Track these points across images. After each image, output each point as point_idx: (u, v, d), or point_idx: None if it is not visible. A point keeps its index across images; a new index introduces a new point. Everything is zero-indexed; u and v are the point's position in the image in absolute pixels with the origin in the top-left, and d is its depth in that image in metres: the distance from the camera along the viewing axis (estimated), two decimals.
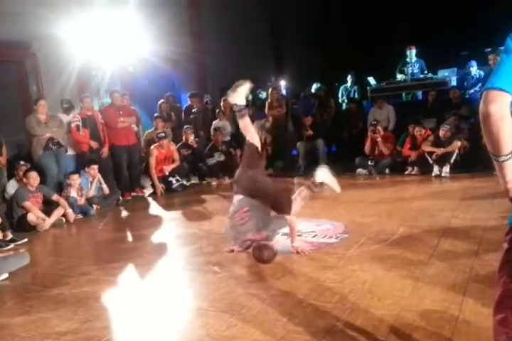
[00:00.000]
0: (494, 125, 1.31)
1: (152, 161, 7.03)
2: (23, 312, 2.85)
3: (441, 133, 6.65)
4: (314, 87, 9.93)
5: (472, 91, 8.33)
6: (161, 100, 8.54)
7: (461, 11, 10.92)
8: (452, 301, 2.46)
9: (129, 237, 4.84)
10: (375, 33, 12.01)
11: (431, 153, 6.65)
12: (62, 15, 6.96)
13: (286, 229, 3.62)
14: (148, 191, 7.31)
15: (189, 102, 8.78)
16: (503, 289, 1.42)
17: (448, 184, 6.18)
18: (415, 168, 6.91)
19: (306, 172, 7.66)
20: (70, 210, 5.57)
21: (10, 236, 4.76)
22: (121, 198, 6.68)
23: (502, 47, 1.42)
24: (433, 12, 11.41)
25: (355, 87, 9.93)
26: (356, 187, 6.46)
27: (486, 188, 5.19)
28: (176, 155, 7.32)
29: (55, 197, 5.57)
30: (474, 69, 8.46)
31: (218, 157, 7.81)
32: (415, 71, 9.01)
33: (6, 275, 3.59)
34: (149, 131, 7.89)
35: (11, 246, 4.59)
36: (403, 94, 9.42)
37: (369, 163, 7.28)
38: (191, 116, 8.45)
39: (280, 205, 3.45)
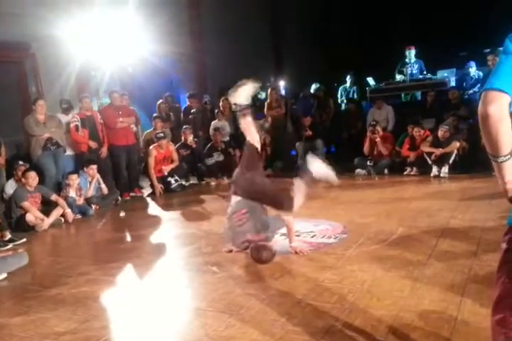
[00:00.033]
0: (493, 126, 1.31)
1: (151, 161, 7.03)
2: (21, 312, 2.85)
3: (440, 133, 6.65)
4: (313, 87, 9.94)
5: (471, 91, 8.33)
6: (160, 100, 8.54)
7: (460, 12, 10.94)
8: (451, 301, 2.46)
9: (128, 237, 4.84)
10: (374, 34, 12.02)
11: (430, 154, 6.66)
12: (62, 15, 6.96)
13: (284, 230, 3.62)
14: (147, 191, 7.32)
15: (188, 102, 8.79)
16: (502, 289, 1.43)
17: (447, 184, 6.18)
18: (414, 169, 6.91)
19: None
20: (68, 210, 5.57)
21: (8, 236, 4.76)
22: (120, 198, 6.68)
23: (501, 48, 1.42)
24: (432, 12, 11.42)
25: (355, 88, 9.93)
26: (355, 188, 6.47)
27: (484, 189, 5.20)
28: (175, 156, 7.32)
29: (53, 197, 5.57)
30: (473, 70, 8.47)
31: (217, 157, 7.81)
32: (414, 71, 9.02)
33: (4, 275, 3.59)
34: (148, 131, 7.89)
35: (10, 246, 4.59)
36: (402, 95, 9.42)
37: (368, 163, 7.28)
38: (190, 117, 8.45)
39: (281, 204, 3.45)
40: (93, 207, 6.08)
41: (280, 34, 13.40)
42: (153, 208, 6.34)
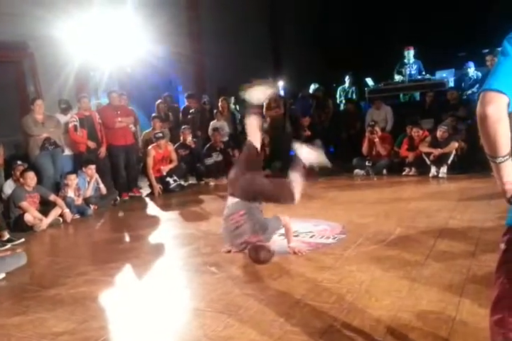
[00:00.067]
0: (491, 127, 1.31)
1: (150, 161, 7.03)
2: (19, 313, 2.85)
3: (438, 134, 6.66)
4: (312, 87, 9.95)
5: (469, 92, 8.34)
6: (159, 100, 8.54)
7: (459, 12, 10.96)
8: (449, 302, 2.46)
9: (127, 237, 4.84)
10: (373, 34, 12.04)
11: (428, 154, 6.66)
12: (60, 15, 6.96)
13: (282, 230, 3.62)
14: (145, 191, 7.31)
15: (187, 103, 8.79)
16: (500, 290, 1.43)
17: (445, 185, 6.19)
18: (413, 169, 6.91)
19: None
20: (67, 210, 5.56)
21: (7, 236, 4.75)
22: (118, 198, 6.68)
23: (499, 49, 1.42)
24: (431, 13, 11.45)
25: (353, 88, 9.94)
26: (354, 188, 6.49)
27: (483, 189, 5.20)
28: (174, 156, 7.31)
29: (52, 197, 5.56)
30: (472, 71, 8.48)
31: (216, 157, 7.80)
32: (413, 72, 9.03)
33: (3, 276, 3.59)
34: (147, 131, 7.88)
35: (8, 246, 4.59)
36: (401, 95, 9.43)
37: (367, 163, 7.28)
38: (189, 117, 8.45)
39: (283, 198, 3.49)
40: (91, 207, 6.07)
41: (279, 35, 13.41)
42: (152, 208, 6.34)
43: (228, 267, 3.38)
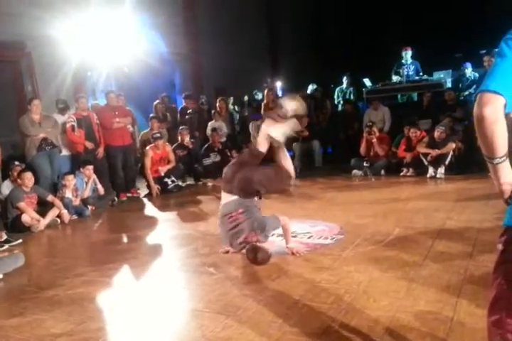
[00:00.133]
0: (488, 128, 1.31)
1: (147, 162, 7.02)
2: (17, 314, 2.84)
3: (436, 134, 6.68)
4: (310, 88, 9.96)
5: (467, 93, 8.37)
6: (157, 101, 8.54)
7: (456, 13, 10.99)
8: (447, 302, 2.47)
9: (124, 238, 4.83)
10: (370, 35, 12.07)
11: (426, 155, 6.68)
12: (58, 15, 6.95)
13: (281, 230, 3.62)
14: (143, 192, 7.30)
15: (184, 103, 8.78)
16: (498, 290, 1.43)
17: (443, 185, 6.20)
18: (410, 170, 6.93)
19: (302, 174, 7.72)
20: (64, 211, 5.55)
21: (4, 237, 4.73)
22: (116, 199, 6.67)
23: (497, 49, 1.43)
24: (429, 14, 11.48)
25: (351, 89, 9.96)
26: (352, 189, 6.49)
27: (480, 190, 5.22)
28: (172, 156, 7.31)
29: (49, 197, 5.55)
30: (469, 71, 8.51)
31: (214, 158, 7.80)
32: (411, 73, 9.05)
33: (0, 277, 3.57)
34: (145, 131, 7.88)
35: (6, 247, 4.57)
36: (398, 96, 9.46)
37: (364, 164, 7.29)
38: (186, 117, 8.45)
39: (283, 183, 3.68)
40: (89, 207, 6.06)
41: (276, 35, 13.43)
42: (150, 209, 6.33)
43: (226, 268, 3.38)
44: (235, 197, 3.41)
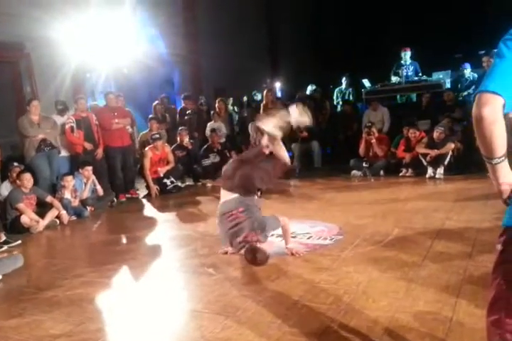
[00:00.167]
0: (487, 128, 1.32)
1: (147, 163, 7.02)
2: (16, 315, 2.84)
3: (435, 135, 6.69)
4: (309, 89, 9.97)
5: (466, 93, 8.38)
6: (156, 101, 8.54)
7: (456, 13, 11.01)
8: (446, 302, 2.47)
9: (123, 239, 4.82)
10: (370, 36, 12.08)
11: (425, 155, 6.68)
12: (57, 16, 6.95)
13: (280, 231, 3.62)
14: (142, 193, 7.30)
15: (183, 104, 8.79)
16: (497, 290, 1.43)
17: (442, 185, 6.21)
18: (409, 170, 6.93)
19: (301, 174, 7.72)
20: (63, 212, 5.55)
21: (3, 238, 4.73)
22: (115, 200, 6.66)
23: (495, 50, 1.43)
24: (429, 14, 11.49)
25: (350, 89, 9.96)
26: (351, 189, 6.49)
27: (479, 190, 5.22)
28: (171, 157, 7.30)
29: (48, 198, 5.55)
30: (468, 72, 8.51)
31: (213, 158, 7.80)
32: (410, 73, 9.06)
33: None
34: (144, 132, 7.88)
35: (5, 248, 4.56)
36: (398, 97, 9.47)
37: (364, 164, 7.30)
38: (186, 118, 8.45)
39: (282, 172, 3.70)
40: (88, 208, 6.05)
41: (276, 36, 13.44)
42: (149, 209, 6.33)
43: (226, 268, 3.38)
44: (236, 195, 3.40)
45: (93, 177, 6.23)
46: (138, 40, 8.16)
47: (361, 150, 7.42)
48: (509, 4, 7.39)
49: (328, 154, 9.01)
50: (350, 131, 8.60)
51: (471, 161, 6.17)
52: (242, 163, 3.57)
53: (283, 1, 12.91)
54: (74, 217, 5.80)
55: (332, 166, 8.15)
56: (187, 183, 7.88)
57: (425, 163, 6.69)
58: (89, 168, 6.16)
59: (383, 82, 9.30)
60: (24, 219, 5.18)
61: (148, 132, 7.60)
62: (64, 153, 6.59)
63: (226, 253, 3.64)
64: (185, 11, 10.62)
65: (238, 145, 8.32)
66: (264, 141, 3.64)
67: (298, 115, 3.69)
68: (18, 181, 5.40)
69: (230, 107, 9.81)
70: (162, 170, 7.13)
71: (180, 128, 7.95)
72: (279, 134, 3.62)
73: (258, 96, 10.05)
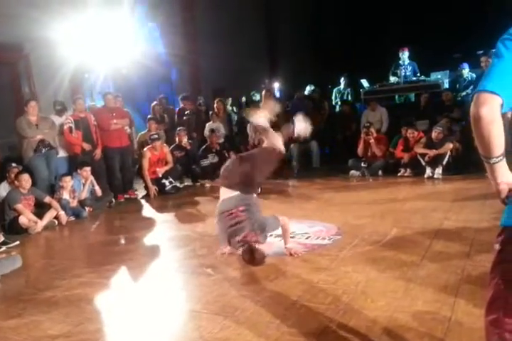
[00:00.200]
0: (485, 128, 1.32)
1: (145, 163, 7.02)
2: (15, 315, 2.83)
3: (433, 135, 6.69)
4: (308, 89, 9.97)
5: (464, 93, 8.38)
6: (154, 102, 8.53)
7: (453, 14, 11.02)
8: (444, 302, 2.47)
9: (122, 239, 4.82)
10: (368, 36, 12.08)
11: (423, 155, 6.69)
12: (56, 17, 6.94)
13: (279, 231, 3.62)
14: (141, 193, 7.29)
15: (182, 104, 8.79)
16: (495, 290, 1.43)
17: (440, 185, 6.21)
18: (408, 170, 6.94)
19: (300, 174, 7.73)
20: (62, 212, 5.54)
21: (2, 238, 4.72)
22: (113, 200, 6.65)
23: (494, 50, 1.43)
24: (426, 14, 11.50)
25: (349, 89, 9.97)
26: (349, 189, 6.50)
27: (477, 189, 5.23)
28: (169, 157, 7.30)
29: (47, 199, 5.54)
30: (466, 72, 8.52)
31: (212, 159, 7.80)
32: (408, 73, 9.07)
33: None
34: (142, 132, 7.88)
35: (3, 248, 4.56)
36: (396, 97, 9.48)
37: (362, 164, 7.31)
38: (184, 118, 8.45)
39: (278, 162, 3.77)
40: (87, 209, 6.05)
41: (275, 36, 13.44)
42: (148, 210, 6.32)
43: (224, 269, 3.38)
44: (236, 193, 3.37)
45: (91, 177, 6.22)
46: (136, 40, 8.16)
47: (360, 150, 7.42)
48: (509, 4, 7.40)
49: (327, 154, 9.01)
50: (348, 131, 8.60)
51: (469, 161, 6.17)
52: (243, 160, 3.58)
53: (282, 1, 12.91)
54: (72, 218, 5.79)
55: (330, 166, 8.15)
56: (185, 184, 7.87)
57: (423, 163, 6.69)
58: (88, 169, 6.15)
59: (382, 82, 9.32)
60: (22, 220, 5.17)
61: (147, 132, 7.59)
62: (62, 154, 6.59)
63: (224, 254, 3.63)
64: (184, 11, 10.62)
65: (237, 146, 8.32)
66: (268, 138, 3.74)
67: (303, 127, 3.89)
68: (16, 182, 5.39)
69: (229, 107, 9.80)
70: (161, 171, 7.13)
71: (178, 128, 7.95)
72: (266, 124, 3.71)
73: (257, 97, 10.04)
